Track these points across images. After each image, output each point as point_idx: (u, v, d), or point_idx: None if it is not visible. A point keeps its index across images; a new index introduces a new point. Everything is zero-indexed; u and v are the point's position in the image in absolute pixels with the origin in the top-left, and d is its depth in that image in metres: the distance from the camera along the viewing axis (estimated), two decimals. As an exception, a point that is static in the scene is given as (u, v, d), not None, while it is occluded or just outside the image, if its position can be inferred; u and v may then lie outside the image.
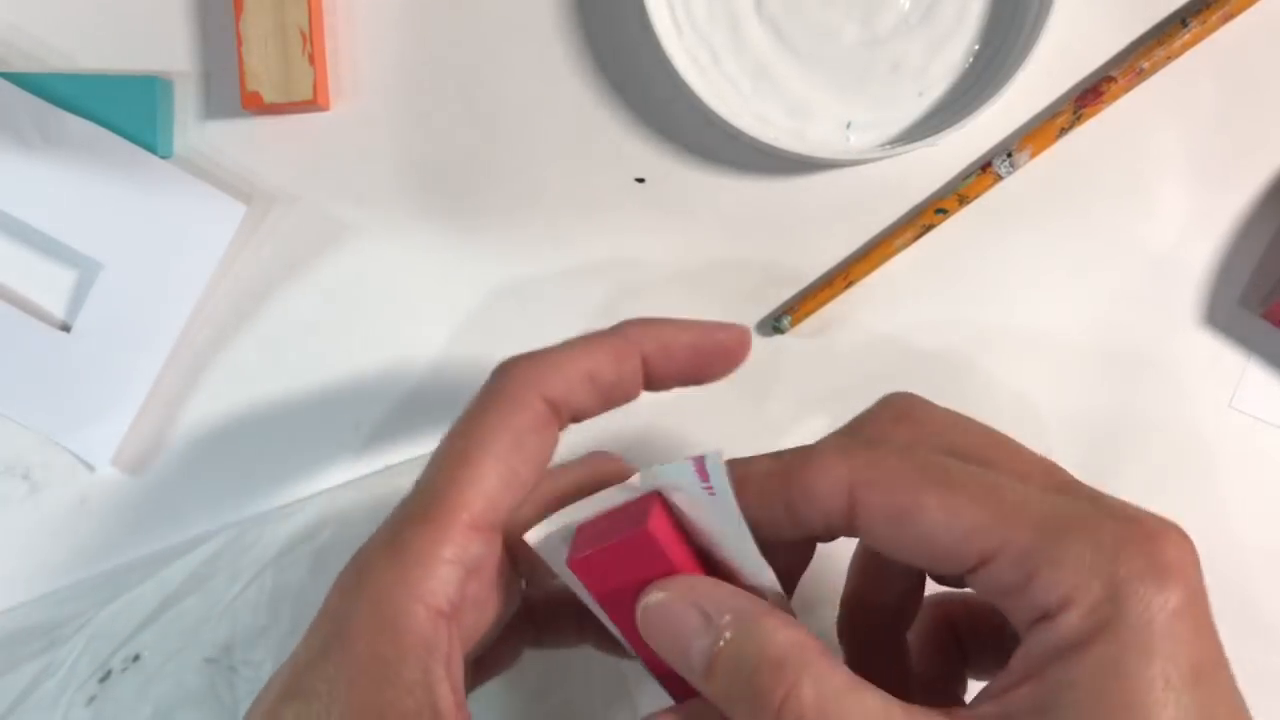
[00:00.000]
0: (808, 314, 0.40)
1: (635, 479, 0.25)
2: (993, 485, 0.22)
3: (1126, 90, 0.39)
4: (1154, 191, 0.40)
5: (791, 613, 0.25)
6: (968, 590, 0.24)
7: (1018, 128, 0.40)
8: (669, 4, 0.39)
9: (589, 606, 0.25)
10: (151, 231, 0.40)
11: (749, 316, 0.41)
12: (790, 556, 0.26)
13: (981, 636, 0.29)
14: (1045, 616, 0.21)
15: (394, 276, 0.41)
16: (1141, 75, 0.39)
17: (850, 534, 0.24)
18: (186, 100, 0.41)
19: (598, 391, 0.26)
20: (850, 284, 0.40)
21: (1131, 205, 0.40)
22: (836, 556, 0.29)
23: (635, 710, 0.38)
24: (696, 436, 0.41)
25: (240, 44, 0.39)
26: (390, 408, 0.41)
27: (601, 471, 0.26)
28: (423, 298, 0.41)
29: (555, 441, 0.26)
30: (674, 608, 0.23)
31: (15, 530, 0.41)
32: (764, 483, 0.24)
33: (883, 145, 0.39)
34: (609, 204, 0.41)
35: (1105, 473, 0.40)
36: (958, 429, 0.25)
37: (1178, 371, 0.40)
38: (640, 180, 0.41)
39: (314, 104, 0.39)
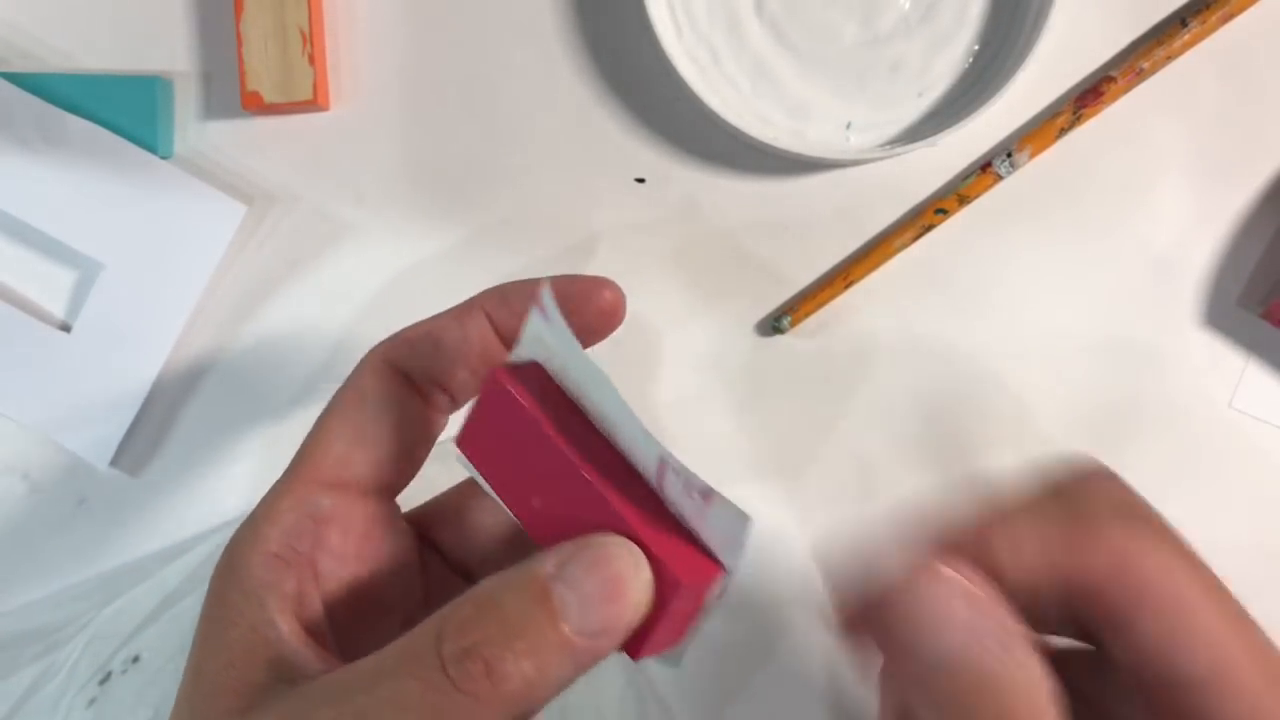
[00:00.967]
0: (808, 314, 0.40)
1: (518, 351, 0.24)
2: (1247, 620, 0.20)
3: (1126, 90, 0.39)
4: (1154, 191, 0.40)
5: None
6: None
7: (1018, 128, 0.40)
8: (669, 4, 0.39)
9: (492, 497, 0.24)
10: (151, 232, 0.40)
11: (749, 316, 0.41)
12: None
13: None
14: None
15: (394, 276, 0.41)
16: (1141, 75, 0.39)
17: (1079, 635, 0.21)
18: (186, 100, 0.41)
19: (443, 350, 0.26)
20: (850, 284, 0.40)
21: (1131, 205, 0.40)
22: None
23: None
24: (697, 436, 0.41)
25: (240, 44, 0.39)
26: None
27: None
28: (423, 298, 0.41)
29: (418, 403, 0.27)
30: (939, 596, 0.20)
31: (15, 530, 0.41)
32: (1040, 548, 0.20)
33: (883, 145, 0.39)
34: (609, 204, 0.41)
35: (1105, 473, 0.40)
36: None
37: (1178, 371, 0.40)
38: (640, 180, 0.41)
39: (314, 104, 0.39)
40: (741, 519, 0.20)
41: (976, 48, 0.39)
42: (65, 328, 0.41)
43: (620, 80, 0.40)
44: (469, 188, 0.41)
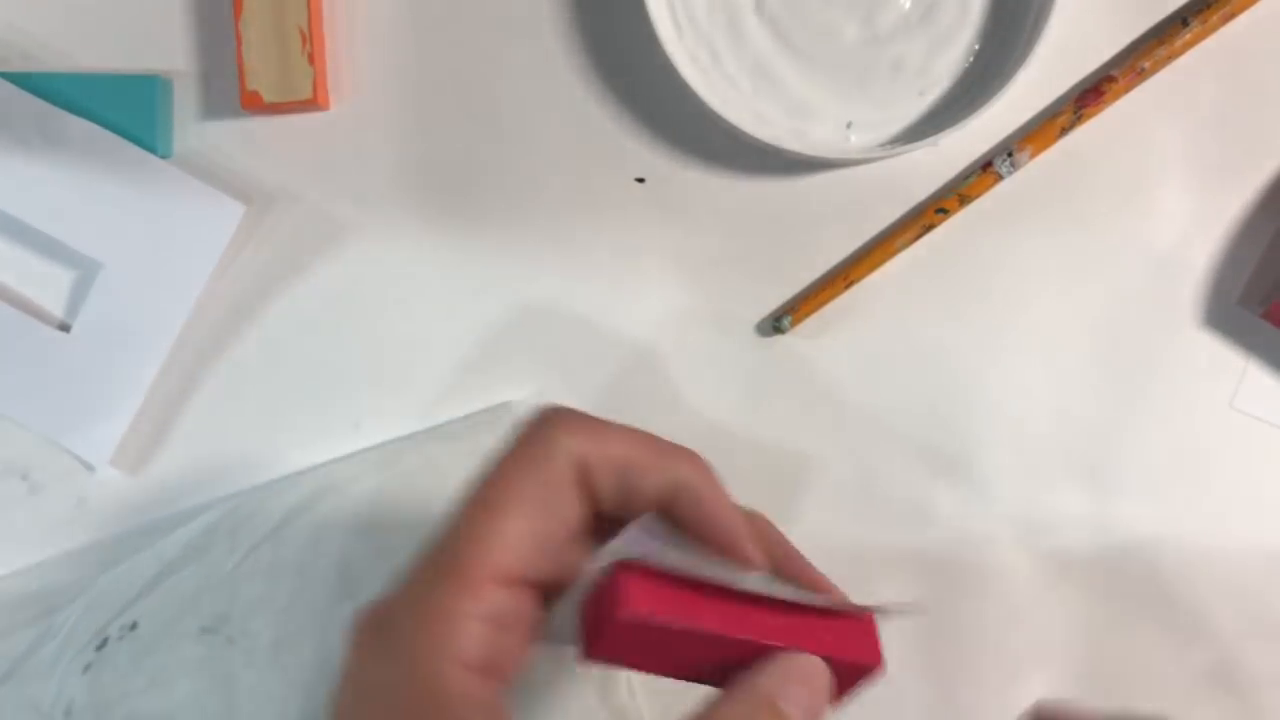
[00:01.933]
0: (808, 314, 0.40)
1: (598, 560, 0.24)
2: None
3: (1127, 90, 0.39)
4: (1154, 191, 0.40)
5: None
6: None
7: (1018, 128, 0.40)
8: (669, 4, 0.39)
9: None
10: (151, 231, 0.40)
11: (749, 316, 0.41)
12: None
13: None
14: None
15: (394, 276, 0.41)
16: (1142, 75, 0.39)
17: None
18: (186, 100, 0.41)
19: (622, 483, 0.25)
20: (850, 284, 0.40)
21: (1131, 205, 0.40)
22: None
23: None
24: (696, 437, 0.41)
25: (240, 44, 0.39)
26: (390, 407, 0.41)
27: None
28: (422, 298, 0.41)
29: (582, 509, 0.24)
30: None
31: (14, 530, 0.41)
32: None
33: (883, 145, 0.39)
34: (609, 204, 0.41)
35: (1105, 472, 0.40)
36: None
37: (1178, 371, 0.40)
38: (640, 180, 0.41)
39: (314, 103, 0.39)
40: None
41: (977, 47, 0.39)
42: (64, 327, 0.41)
43: (620, 80, 0.40)
44: (468, 187, 0.41)
